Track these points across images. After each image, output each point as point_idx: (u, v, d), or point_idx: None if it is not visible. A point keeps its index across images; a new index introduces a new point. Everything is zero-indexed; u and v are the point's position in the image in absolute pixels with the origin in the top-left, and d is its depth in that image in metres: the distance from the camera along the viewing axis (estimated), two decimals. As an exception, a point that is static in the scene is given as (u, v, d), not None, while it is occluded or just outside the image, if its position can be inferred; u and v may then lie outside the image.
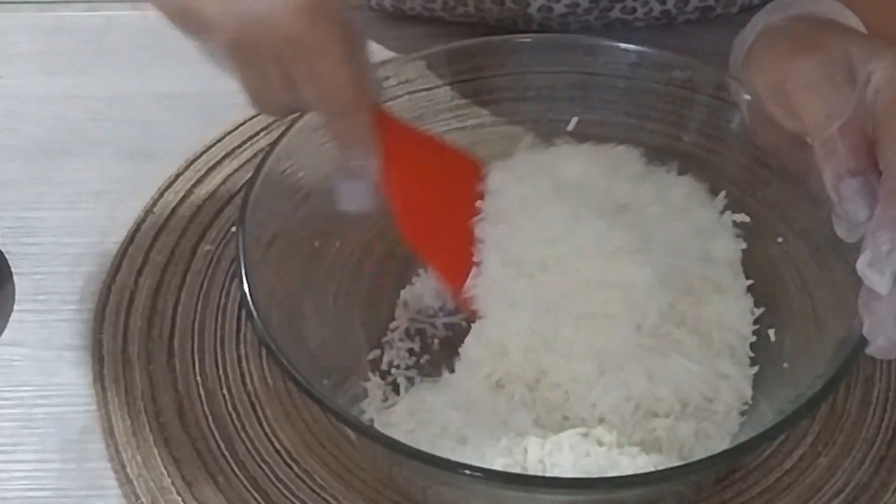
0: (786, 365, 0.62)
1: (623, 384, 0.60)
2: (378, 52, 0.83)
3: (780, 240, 0.66)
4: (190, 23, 0.57)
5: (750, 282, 0.65)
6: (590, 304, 0.62)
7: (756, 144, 0.66)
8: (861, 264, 0.52)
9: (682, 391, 0.60)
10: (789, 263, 0.65)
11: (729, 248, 0.66)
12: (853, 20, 0.66)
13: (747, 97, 0.66)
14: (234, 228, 0.71)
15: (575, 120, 0.70)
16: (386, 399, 0.62)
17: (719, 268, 0.65)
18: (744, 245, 0.66)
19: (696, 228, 0.66)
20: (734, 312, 0.63)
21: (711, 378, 0.61)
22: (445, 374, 0.63)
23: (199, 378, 0.65)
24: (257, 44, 0.56)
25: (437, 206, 0.66)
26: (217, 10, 0.56)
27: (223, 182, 0.75)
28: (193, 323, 0.68)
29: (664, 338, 0.62)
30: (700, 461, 0.56)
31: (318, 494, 0.60)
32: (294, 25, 0.55)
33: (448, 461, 0.53)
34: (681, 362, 0.61)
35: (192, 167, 0.76)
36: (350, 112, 0.59)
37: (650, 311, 0.61)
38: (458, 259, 0.65)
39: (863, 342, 0.54)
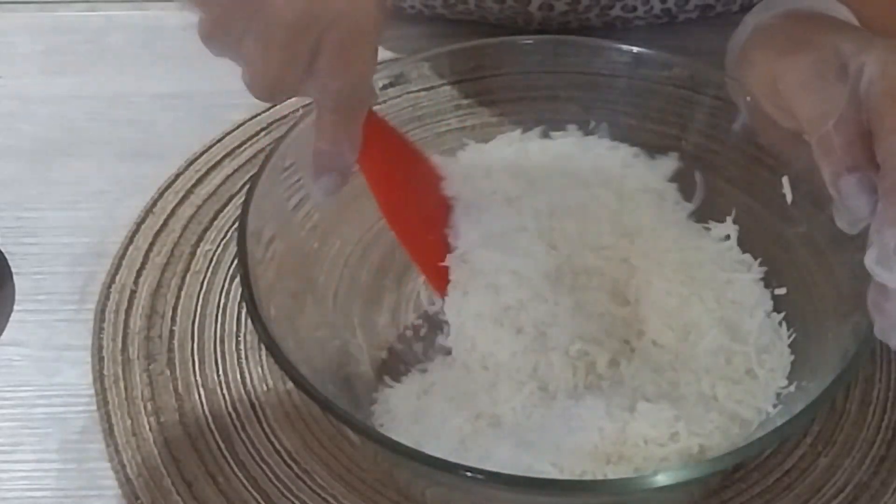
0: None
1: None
2: (378, 52, 0.83)
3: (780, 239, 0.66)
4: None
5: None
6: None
7: (756, 144, 0.66)
8: (869, 261, 0.52)
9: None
10: (790, 264, 0.65)
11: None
12: (843, 12, 0.65)
13: (747, 97, 0.66)
14: (234, 228, 0.71)
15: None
16: (386, 399, 0.62)
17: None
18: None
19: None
20: None
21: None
22: (442, 369, 0.63)
23: (199, 378, 0.65)
24: (313, 21, 0.52)
25: (412, 200, 0.66)
26: None
27: (223, 182, 0.75)
28: (193, 323, 0.68)
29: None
30: (703, 464, 0.56)
31: (318, 494, 0.60)
32: (365, 5, 0.52)
33: (448, 462, 0.53)
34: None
35: (192, 167, 0.76)
36: (359, 104, 0.56)
37: None
38: (437, 249, 0.66)
39: (866, 345, 0.54)
